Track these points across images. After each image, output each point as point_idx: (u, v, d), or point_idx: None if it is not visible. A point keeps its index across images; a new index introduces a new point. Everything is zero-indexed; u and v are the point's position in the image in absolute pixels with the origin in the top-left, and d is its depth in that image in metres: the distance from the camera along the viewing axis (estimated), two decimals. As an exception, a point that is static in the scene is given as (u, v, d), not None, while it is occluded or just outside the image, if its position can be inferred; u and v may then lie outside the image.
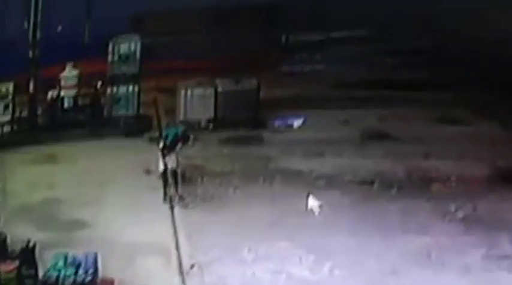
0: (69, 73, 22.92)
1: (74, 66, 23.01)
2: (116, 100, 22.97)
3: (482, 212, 17.75)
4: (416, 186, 19.23)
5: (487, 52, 25.34)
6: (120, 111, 22.96)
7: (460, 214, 17.70)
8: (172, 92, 23.40)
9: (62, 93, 22.83)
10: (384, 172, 19.95)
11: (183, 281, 15.34)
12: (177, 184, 18.69)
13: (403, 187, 19.16)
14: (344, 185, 19.36)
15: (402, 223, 17.27)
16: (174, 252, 16.32)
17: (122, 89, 22.94)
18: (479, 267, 15.48)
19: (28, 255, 14.89)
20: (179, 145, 18.71)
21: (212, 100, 23.22)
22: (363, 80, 26.40)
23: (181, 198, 18.57)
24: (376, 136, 22.43)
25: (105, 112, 23.05)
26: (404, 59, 27.71)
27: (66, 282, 14.55)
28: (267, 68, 25.46)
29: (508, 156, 20.51)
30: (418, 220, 17.39)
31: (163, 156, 18.53)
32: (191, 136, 19.91)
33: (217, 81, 23.47)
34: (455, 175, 19.65)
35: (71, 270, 14.71)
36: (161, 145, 18.62)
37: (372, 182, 19.43)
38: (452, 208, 17.92)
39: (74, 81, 22.92)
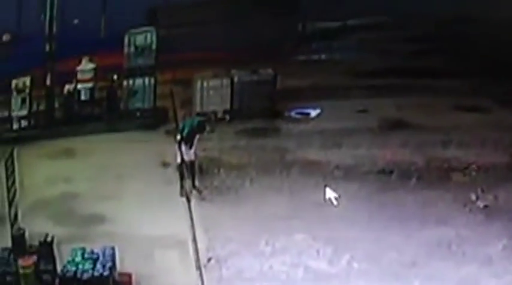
0: (85, 67, 22.77)
1: (90, 60, 22.86)
2: (132, 93, 22.81)
3: (504, 201, 17.58)
4: (435, 176, 19.04)
5: (507, 39, 25.00)
6: (137, 104, 22.79)
7: (480, 204, 17.54)
8: (188, 84, 23.24)
9: (79, 87, 22.69)
10: (403, 161, 19.76)
11: (201, 275, 15.30)
12: (194, 177, 18.64)
13: (422, 176, 18.99)
14: (362, 176, 19.21)
15: (422, 213, 17.15)
16: (191, 245, 16.29)
17: (138, 82, 22.79)
18: (500, 257, 15.35)
19: (46, 250, 14.96)
20: (196, 137, 18.58)
21: (228, 91, 23.02)
22: (381, 68, 26.07)
23: (198, 191, 18.49)
24: (394, 125, 22.20)
25: (121, 105, 22.89)
26: (422, 46, 27.38)
27: (84, 277, 14.59)
28: (284, 58, 25.25)
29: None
30: (438, 211, 17.26)
31: (180, 149, 18.44)
32: (207, 128, 19.80)
33: (234, 72, 23.27)
34: (475, 164, 19.44)
35: (88, 265, 14.77)
36: (178, 137, 18.53)
37: (390, 173, 19.26)
38: (473, 197, 17.77)
39: (90, 74, 22.76)
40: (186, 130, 18.53)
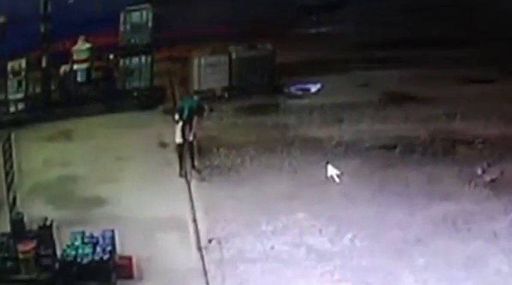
0: (81, 47, 22.54)
1: (86, 39, 22.62)
2: (129, 72, 22.58)
3: (511, 175, 17.36)
4: (440, 150, 18.85)
5: (507, 8, 24.64)
6: (134, 83, 22.56)
7: (487, 178, 17.35)
8: (185, 61, 22.99)
9: (75, 67, 22.45)
10: (406, 136, 19.58)
11: (202, 256, 15.18)
12: (193, 157, 18.50)
13: (426, 151, 18.82)
14: (364, 152, 19.01)
15: (426, 189, 16.97)
16: (191, 227, 16.18)
17: (135, 60, 22.56)
18: (507, 233, 15.15)
19: (45, 234, 14.92)
20: (195, 117, 18.41)
21: (227, 68, 22.75)
22: (383, 40, 25.77)
23: (197, 171, 18.34)
24: (397, 99, 21.95)
25: (118, 85, 22.66)
26: (425, 16, 27.06)
27: (84, 261, 14.52)
28: (282, 32, 24.98)
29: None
30: (443, 186, 17.09)
31: (179, 129, 18.25)
32: (206, 107, 19.55)
33: (231, 48, 22.99)
34: (481, 137, 19.22)
35: (88, 249, 14.70)
36: (177, 117, 18.36)
37: (393, 148, 19.06)
38: (479, 171, 17.57)
39: (86, 55, 22.55)
40: (184, 111, 18.34)
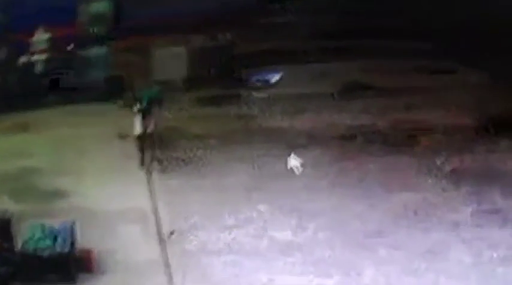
0: (39, 38, 22.53)
1: (45, 30, 22.57)
2: (87, 62, 22.50)
3: (471, 164, 17.49)
4: (400, 140, 18.90)
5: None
6: (93, 74, 22.46)
7: (447, 168, 17.39)
8: (144, 52, 22.86)
9: (33, 58, 22.41)
10: (366, 126, 19.65)
11: (163, 249, 15.03)
12: (153, 149, 18.37)
13: (386, 141, 18.86)
14: (325, 142, 19.00)
15: (386, 179, 16.96)
16: (153, 219, 16.03)
17: (94, 51, 22.55)
18: (469, 223, 15.21)
19: (4, 227, 14.59)
20: (155, 108, 18.35)
21: (186, 58, 22.75)
22: (342, 30, 25.79)
23: (158, 163, 18.24)
24: (357, 89, 22.01)
25: (77, 76, 22.47)
26: (385, 5, 27.12)
27: (44, 254, 14.30)
28: (241, 22, 24.92)
29: (496, 105, 20.14)
30: (403, 176, 17.09)
31: (139, 119, 18.15)
32: (166, 98, 19.45)
33: (191, 39, 23.02)
34: (441, 127, 19.32)
35: (48, 242, 14.46)
36: (136, 108, 18.25)
37: (353, 138, 19.10)
38: (439, 162, 17.61)
39: (45, 45, 22.52)
40: (144, 101, 18.24)
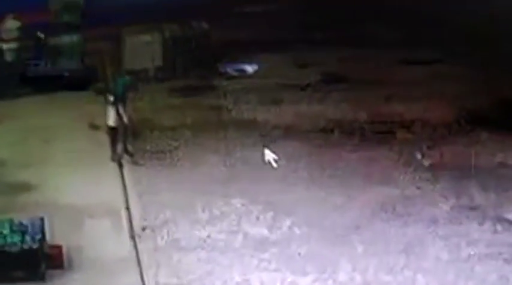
0: (10, 26, 22.24)
1: (15, 18, 22.28)
2: (58, 51, 22.21)
3: (450, 158, 17.30)
4: (379, 133, 18.67)
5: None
6: (64, 63, 22.17)
7: (426, 162, 17.21)
8: (118, 40, 22.53)
9: (3, 47, 22.14)
10: (345, 118, 19.47)
11: (135, 245, 14.70)
12: (125, 140, 17.99)
13: (365, 134, 18.67)
14: (302, 134, 18.79)
15: (365, 173, 16.79)
16: (124, 214, 15.69)
17: (65, 39, 22.27)
18: (446, 219, 14.99)
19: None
20: (127, 98, 17.97)
21: (160, 47, 22.42)
22: (321, 20, 25.66)
23: (130, 155, 17.89)
24: (335, 80, 21.83)
25: (48, 65, 22.18)
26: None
27: (12, 250, 13.98)
28: (218, 10, 24.70)
29: (476, 97, 19.99)
30: (382, 170, 16.91)
31: (111, 110, 17.76)
32: (139, 88, 19.13)
33: (165, 26, 22.67)
34: (421, 120, 19.14)
35: (17, 237, 14.14)
36: (109, 98, 17.88)
37: (332, 131, 18.87)
38: (418, 155, 17.44)
39: (15, 34, 22.25)
40: (117, 91, 17.87)
